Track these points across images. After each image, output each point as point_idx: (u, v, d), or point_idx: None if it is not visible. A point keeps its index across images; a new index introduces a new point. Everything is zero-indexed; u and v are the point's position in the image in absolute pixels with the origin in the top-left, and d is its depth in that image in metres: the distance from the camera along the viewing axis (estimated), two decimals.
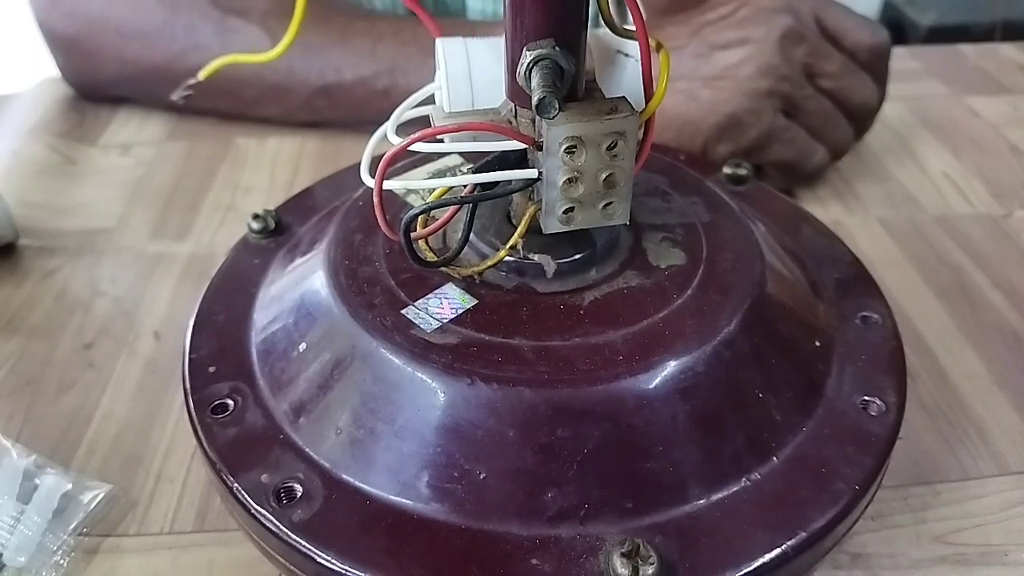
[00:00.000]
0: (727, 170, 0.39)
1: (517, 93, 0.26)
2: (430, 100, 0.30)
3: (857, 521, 0.26)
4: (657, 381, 0.25)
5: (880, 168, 0.53)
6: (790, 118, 0.46)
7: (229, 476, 0.26)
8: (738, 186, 0.39)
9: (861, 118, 0.49)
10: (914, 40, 1.31)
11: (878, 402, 0.28)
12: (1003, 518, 0.31)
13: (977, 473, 0.33)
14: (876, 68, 0.48)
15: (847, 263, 0.35)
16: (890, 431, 0.27)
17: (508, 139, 0.25)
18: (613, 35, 0.26)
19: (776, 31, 0.45)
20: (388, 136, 0.28)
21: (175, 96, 0.31)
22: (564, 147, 0.24)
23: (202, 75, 0.30)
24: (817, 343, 0.30)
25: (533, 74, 0.24)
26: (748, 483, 0.25)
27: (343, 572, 0.23)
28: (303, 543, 0.24)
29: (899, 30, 1.32)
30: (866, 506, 0.26)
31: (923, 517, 0.31)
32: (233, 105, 0.56)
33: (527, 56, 0.24)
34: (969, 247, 0.46)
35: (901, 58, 0.62)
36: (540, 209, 0.26)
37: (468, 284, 0.28)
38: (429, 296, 0.28)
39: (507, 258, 0.28)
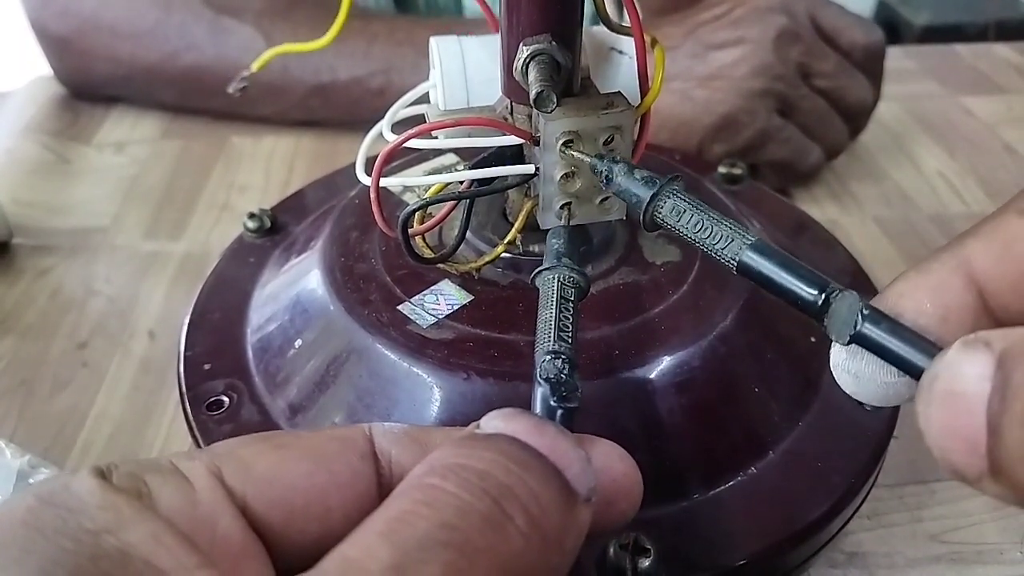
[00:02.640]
0: (722, 170, 0.39)
1: (513, 89, 0.26)
2: (425, 98, 0.30)
3: (852, 516, 0.26)
4: (653, 376, 0.25)
5: (875, 167, 0.53)
6: (785, 118, 0.46)
7: None
8: (734, 185, 0.39)
9: (856, 117, 0.49)
10: (908, 40, 1.32)
11: None
12: (998, 517, 0.31)
13: None
14: (871, 67, 0.48)
15: (842, 262, 0.35)
16: (885, 426, 0.27)
17: (505, 134, 0.25)
18: (608, 32, 0.26)
19: (771, 31, 0.45)
20: (384, 133, 0.28)
21: (231, 89, 0.31)
22: (561, 141, 0.24)
23: (255, 67, 0.30)
24: (812, 339, 0.30)
25: (530, 69, 0.24)
26: (744, 477, 0.25)
27: None
28: None
29: (893, 30, 1.33)
30: (861, 501, 0.26)
31: (919, 516, 0.31)
32: (228, 104, 0.55)
33: (523, 51, 0.24)
34: None
35: (896, 58, 0.62)
36: (537, 205, 0.26)
37: (464, 280, 0.28)
38: (425, 292, 0.28)
39: (503, 254, 0.28)
